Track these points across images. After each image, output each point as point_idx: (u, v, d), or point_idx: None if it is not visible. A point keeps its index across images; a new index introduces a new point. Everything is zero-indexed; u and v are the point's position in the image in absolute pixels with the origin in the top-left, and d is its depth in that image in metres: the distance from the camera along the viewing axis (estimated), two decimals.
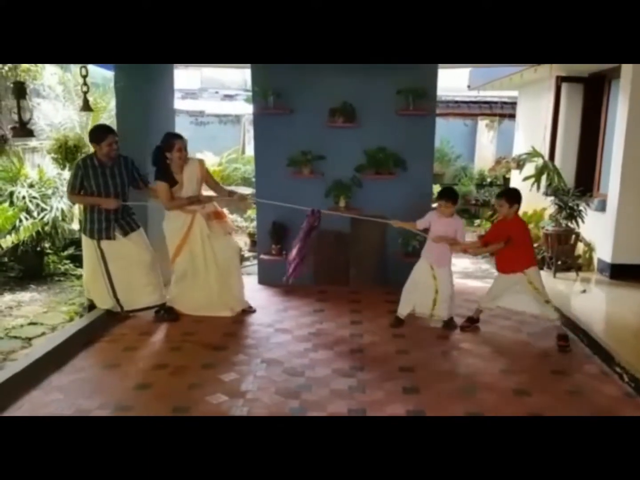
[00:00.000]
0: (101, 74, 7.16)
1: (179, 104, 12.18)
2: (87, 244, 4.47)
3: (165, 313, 4.66)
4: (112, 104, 6.01)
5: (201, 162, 4.71)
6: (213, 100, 13.11)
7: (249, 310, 4.88)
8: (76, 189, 4.33)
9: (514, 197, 4.18)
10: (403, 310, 4.57)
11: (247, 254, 7.42)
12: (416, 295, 4.53)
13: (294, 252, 4.58)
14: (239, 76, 13.25)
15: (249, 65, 5.61)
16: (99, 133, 4.30)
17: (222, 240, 4.73)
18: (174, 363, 3.79)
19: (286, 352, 4.01)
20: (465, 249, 4.62)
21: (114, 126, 4.97)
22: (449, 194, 4.38)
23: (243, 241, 7.94)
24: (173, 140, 4.48)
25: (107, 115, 6.96)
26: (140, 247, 4.51)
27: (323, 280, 5.63)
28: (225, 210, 7.25)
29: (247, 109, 11.06)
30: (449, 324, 4.54)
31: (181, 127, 10.47)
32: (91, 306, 4.70)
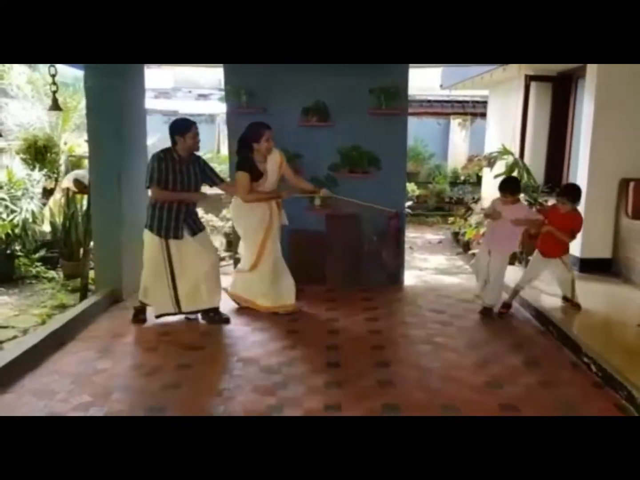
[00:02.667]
0: (71, 73, 7.07)
1: (151, 103, 12.07)
2: (152, 242, 4.32)
3: (217, 315, 4.59)
4: (83, 103, 5.95)
5: (281, 153, 4.70)
6: (187, 99, 13.02)
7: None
8: (162, 183, 4.15)
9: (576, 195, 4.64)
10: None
11: (222, 254, 7.40)
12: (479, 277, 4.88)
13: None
14: (213, 75, 13.16)
15: (222, 64, 5.59)
16: (184, 124, 4.21)
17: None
18: (149, 364, 3.77)
19: (263, 351, 4.02)
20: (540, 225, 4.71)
21: (84, 126, 4.92)
22: (505, 184, 4.64)
23: (219, 241, 7.92)
24: (262, 129, 4.46)
25: (78, 115, 6.88)
26: (206, 248, 4.46)
27: (299, 279, 5.64)
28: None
29: (221, 108, 11.00)
30: (486, 312, 4.77)
31: (154, 127, 10.38)
32: (139, 312, 4.58)
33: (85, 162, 5.73)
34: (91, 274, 5.37)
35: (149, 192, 4.26)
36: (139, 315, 4.57)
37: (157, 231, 4.27)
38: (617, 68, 5.37)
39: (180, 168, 4.23)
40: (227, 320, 4.58)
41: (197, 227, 4.42)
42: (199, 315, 4.61)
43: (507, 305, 4.81)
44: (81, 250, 5.53)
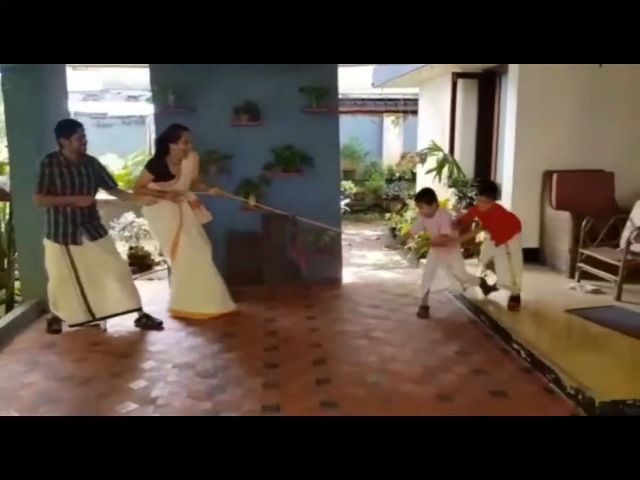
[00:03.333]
0: None
1: (79, 106, 11.68)
2: (52, 251, 4.15)
3: (149, 320, 4.48)
4: (1, 108, 5.68)
5: (195, 156, 4.62)
6: (116, 101, 12.65)
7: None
8: (44, 190, 4.01)
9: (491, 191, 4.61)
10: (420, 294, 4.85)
11: (157, 259, 7.24)
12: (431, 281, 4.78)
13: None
14: (142, 76, 12.83)
15: (148, 64, 5.46)
16: (69, 127, 4.06)
17: (202, 229, 4.71)
18: (80, 374, 3.64)
19: (198, 355, 3.95)
20: (452, 239, 4.61)
21: (3, 132, 4.69)
22: (420, 196, 4.59)
23: (153, 245, 7.73)
24: (180, 131, 4.38)
25: None
26: (109, 253, 4.33)
27: (236, 281, 5.58)
28: (131, 214, 7.04)
29: (151, 109, 10.77)
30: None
31: None
32: (52, 322, 4.39)
33: (6, 168, 5.46)
34: (17, 284, 5.13)
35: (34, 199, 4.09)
36: (53, 325, 4.41)
37: (54, 238, 4.14)
38: (536, 64, 5.59)
39: (70, 171, 4.09)
40: (160, 325, 4.49)
41: (96, 232, 4.28)
42: (134, 322, 4.50)
43: (516, 299, 4.65)
44: (5, 261, 5.28)
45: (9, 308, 4.89)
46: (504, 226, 4.62)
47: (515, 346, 3.91)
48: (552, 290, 5.13)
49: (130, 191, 4.78)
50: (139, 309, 4.50)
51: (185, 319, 4.67)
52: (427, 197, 4.49)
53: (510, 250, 4.57)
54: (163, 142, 4.46)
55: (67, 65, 5.68)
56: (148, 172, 4.46)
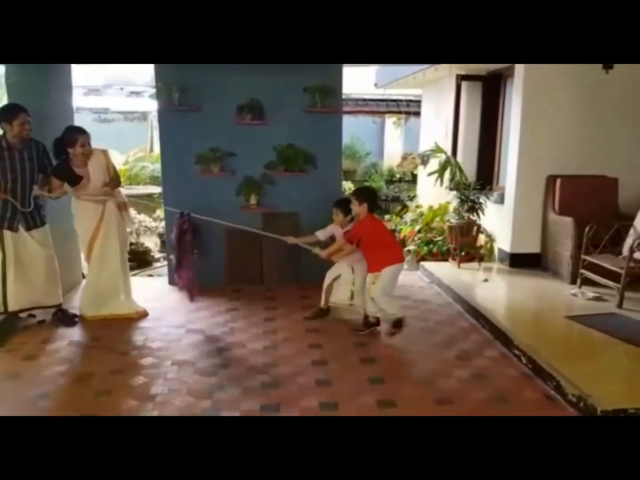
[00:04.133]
0: None
1: (81, 100, 11.66)
2: None
3: (63, 315, 4.47)
4: (5, 100, 5.64)
5: (105, 152, 4.54)
6: (118, 96, 12.63)
7: (143, 315, 4.70)
8: None
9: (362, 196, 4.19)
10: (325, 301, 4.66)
11: (157, 255, 7.23)
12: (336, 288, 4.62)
13: (183, 271, 4.56)
14: (145, 72, 12.82)
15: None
16: (10, 111, 4.02)
17: (126, 233, 4.66)
18: (80, 370, 3.62)
19: (198, 353, 3.94)
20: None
21: None
22: (337, 203, 4.49)
23: (153, 242, 7.73)
24: (76, 135, 4.29)
25: None
26: (42, 244, 4.29)
27: (235, 280, 5.58)
28: (132, 210, 7.02)
29: (154, 106, 10.75)
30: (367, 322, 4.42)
31: (84, 124, 9.99)
32: None
33: None
34: None
35: None
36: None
37: None
38: (543, 68, 5.57)
39: (11, 155, 4.07)
40: (73, 319, 4.49)
41: (33, 222, 4.25)
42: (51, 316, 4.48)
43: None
44: None
45: None
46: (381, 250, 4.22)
47: (516, 352, 3.90)
48: (553, 296, 5.12)
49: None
50: (57, 306, 4.47)
51: (184, 315, 4.65)
52: (343, 206, 4.42)
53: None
54: (59, 146, 4.35)
55: None
56: (55, 178, 4.35)
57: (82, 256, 4.68)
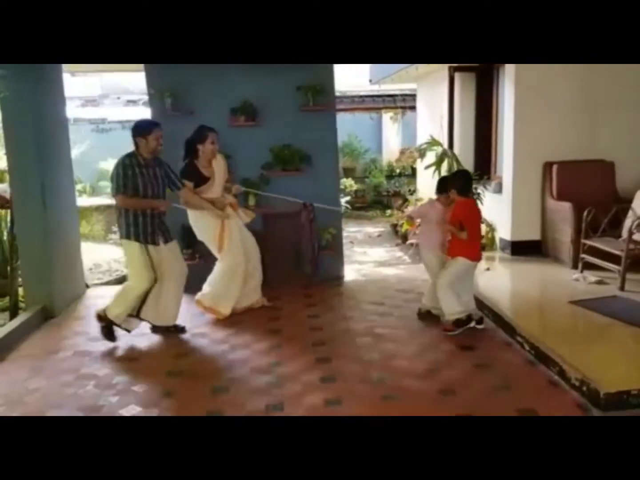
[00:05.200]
0: None
1: (78, 112, 11.72)
2: (132, 249, 4.09)
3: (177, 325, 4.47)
4: None
5: (224, 157, 4.69)
6: (115, 106, 12.68)
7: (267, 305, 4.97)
8: (128, 191, 3.96)
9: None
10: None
11: None
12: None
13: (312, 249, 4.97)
14: (141, 80, 12.86)
15: (144, 68, 5.47)
16: (146, 126, 4.04)
17: (249, 232, 4.80)
18: (84, 380, 3.65)
19: (203, 356, 3.96)
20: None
21: (1, 139, 4.70)
22: (448, 182, 4.22)
23: None
24: (206, 132, 4.46)
25: None
26: (177, 257, 4.34)
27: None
28: None
29: (149, 114, 10.80)
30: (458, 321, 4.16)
31: (81, 135, 10.08)
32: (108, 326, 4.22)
33: (6, 175, 5.47)
34: (20, 291, 5.14)
35: (115, 200, 4.08)
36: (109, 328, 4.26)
37: (135, 237, 4.07)
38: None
39: (147, 172, 4.07)
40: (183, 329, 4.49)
41: (168, 235, 4.28)
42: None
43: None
44: (8, 268, 5.29)
45: (12, 315, 4.90)
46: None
47: (519, 339, 3.91)
48: (555, 281, 5.12)
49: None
50: (173, 327, 4.45)
51: (193, 321, 4.68)
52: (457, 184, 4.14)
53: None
54: (191, 145, 4.50)
55: (65, 71, 5.69)
56: (187, 181, 4.45)
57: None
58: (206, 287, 4.81)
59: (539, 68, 5.71)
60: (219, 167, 4.63)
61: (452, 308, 4.09)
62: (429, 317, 4.44)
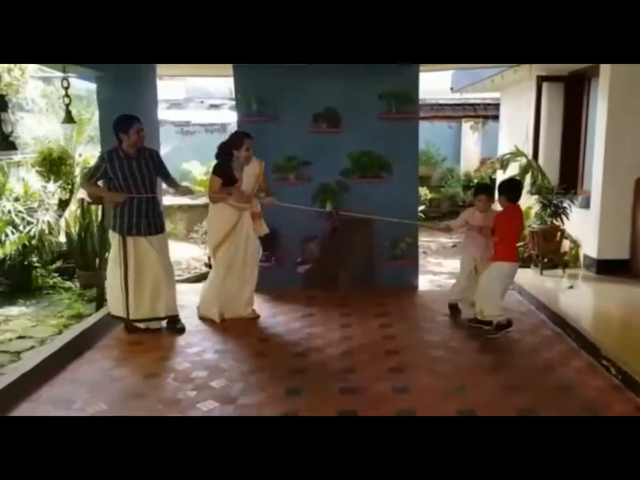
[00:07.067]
0: (85, 86, 7.17)
1: (164, 114, 12.19)
2: (113, 241, 4.37)
3: (175, 323, 4.57)
4: (97, 115, 6.01)
5: (261, 163, 4.77)
6: (199, 109, 13.12)
7: (254, 316, 4.87)
8: (93, 179, 4.27)
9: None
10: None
11: None
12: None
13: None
14: (224, 85, 13.27)
15: (232, 74, 5.63)
16: (126, 121, 4.23)
17: (255, 241, 4.80)
18: (164, 372, 3.79)
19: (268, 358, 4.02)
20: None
21: (98, 138, 4.96)
22: (482, 189, 4.65)
23: None
24: (243, 138, 4.56)
25: (92, 127, 6.96)
26: (161, 251, 4.46)
27: (312, 284, 5.64)
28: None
29: (233, 118, 11.10)
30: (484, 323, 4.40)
31: (167, 137, 10.50)
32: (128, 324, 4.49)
33: None
34: None
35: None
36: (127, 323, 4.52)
37: (117, 228, 4.30)
38: (631, 66, 5.30)
39: (130, 164, 4.23)
40: (182, 329, 4.56)
41: (154, 229, 4.38)
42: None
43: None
44: (97, 260, 5.57)
45: (99, 306, 5.14)
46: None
47: (605, 362, 3.71)
48: None
49: (186, 184, 4.81)
50: (172, 317, 4.56)
51: (266, 323, 4.77)
52: (487, 190, 4.56)
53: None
54: (227, 148, 4.59)
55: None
56: (217, 177, 4.60)
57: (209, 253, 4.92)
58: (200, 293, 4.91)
59: (635, 78, 5.43)
60: (250, 174, 4.64)
61: (494, 310, 4.26)
62: (457, 309, 4.80)
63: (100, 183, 4.34)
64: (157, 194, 4.44)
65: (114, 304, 4.49)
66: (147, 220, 4.32)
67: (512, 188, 4.36)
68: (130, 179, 4.24)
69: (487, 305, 4.27)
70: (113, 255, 4.39)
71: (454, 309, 4.85)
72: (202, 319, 4.82)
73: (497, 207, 4.66)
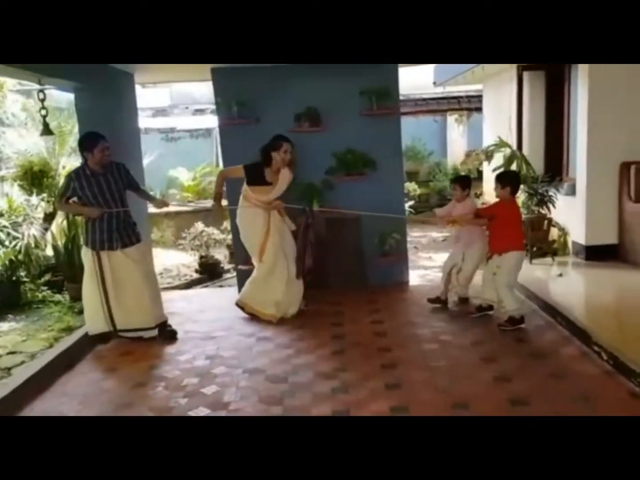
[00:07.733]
0: (66, 98, 7.11)
1: (149, 122, 12.15)
2: (86, 257, 4.34)
3: (165, 331, 4.54)
4: (76, 125, 5.98)
5: (291, 173, 4.85)
6: (184, 115, 13.08)
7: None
8: (64, 198, 4.28)
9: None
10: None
11: (226, 267, 7.41)
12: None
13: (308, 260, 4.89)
14: (209, 89, 13.21)
15: (210, 79, 5.61)
16: (90, 140, 4.21)
17: (292, 238, 4.89)
18: (155, 381, 3.76)
19: (268, 360, 3.99)
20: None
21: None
22: (456, 180, 4.88)
23: (222, 254, 7.92)
24: (282, 141, 4.68)
25: (74, 139, 6.90)
26: (140, 262, 4.42)
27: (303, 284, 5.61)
28: (200, 224, 7.25)
29: (216, 122, 11.07)
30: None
31: (152, 144, 10.46)
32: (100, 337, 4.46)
33: None
34: None
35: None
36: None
37: (90, 244, 4.29)
38: None
39: (97, 180, 4.22)
40: (174, 335, 4.55)
41: (129, 240, 4.36)
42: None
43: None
44: None
45: None
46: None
47: (596, 348, 3.72)
48: (634, 288, 4.85)
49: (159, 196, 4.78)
50: (161, 324, 4.52)
51: (259, 325, 4.75)
52: (461, 181, 4.75)
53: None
54: (266, 151, 4.67)
55: (137, 83, 5.91)
56: (242, 168, 4.74)
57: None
58: (246, 290, 4.96)
59: (613, 65, 5.44)
60: (283, 180, 4.73)
61: (516, 302, 4.29)
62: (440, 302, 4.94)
63: (75, 198, 4.31)
64: (128, 207, 4.41)
65: (94, 320, 4.43)
66: (118, 233, 4.30)
67: (516, 180, 4.49)
68: (99, 197, 4.23)
69: (507, 298, 4.26)
70: (88, 272, 4.35)
71: (442, 302, 4.95)
72: (253, 313, 4.90)
73: (479, 199, 4.73)
